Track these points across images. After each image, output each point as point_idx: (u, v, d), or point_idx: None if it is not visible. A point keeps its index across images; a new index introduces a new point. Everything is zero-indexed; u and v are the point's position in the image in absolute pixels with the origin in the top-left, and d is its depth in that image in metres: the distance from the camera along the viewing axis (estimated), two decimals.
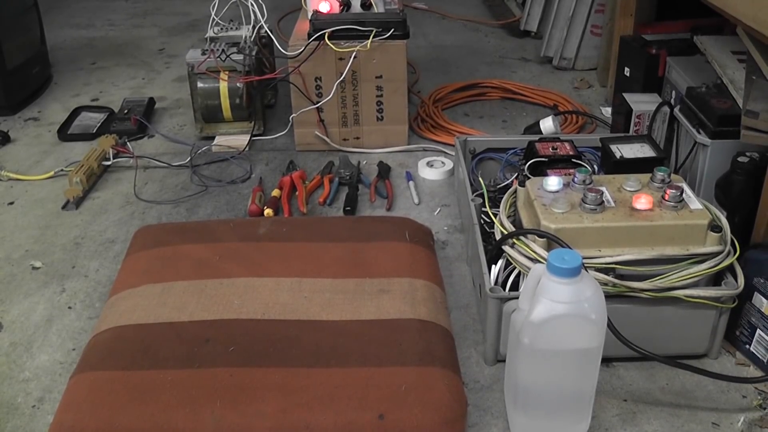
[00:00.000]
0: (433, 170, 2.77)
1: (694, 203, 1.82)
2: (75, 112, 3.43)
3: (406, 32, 2.82)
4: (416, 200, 2.62)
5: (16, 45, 3.55)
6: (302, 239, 2.17)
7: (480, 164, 2.55)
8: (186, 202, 2.69)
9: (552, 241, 1.75)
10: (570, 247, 1.69)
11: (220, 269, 2.04)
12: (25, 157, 3.09)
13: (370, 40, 2.77)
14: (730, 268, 1.80)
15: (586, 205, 1.80)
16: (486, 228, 2.12)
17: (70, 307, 2.15)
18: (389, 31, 2.79)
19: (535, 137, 2.42)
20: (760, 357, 1.84)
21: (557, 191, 1.88)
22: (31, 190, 2.83)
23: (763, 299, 1.80)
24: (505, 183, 2.39)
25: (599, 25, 3.71)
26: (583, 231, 1.76)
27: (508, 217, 1.97)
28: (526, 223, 1.89)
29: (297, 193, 2.62)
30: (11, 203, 2.75)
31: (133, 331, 1.84)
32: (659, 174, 1.89)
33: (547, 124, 2.88)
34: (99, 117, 3.36)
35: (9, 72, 3.47)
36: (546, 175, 2.03)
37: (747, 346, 1.88)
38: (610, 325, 1.63)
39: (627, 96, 2.74)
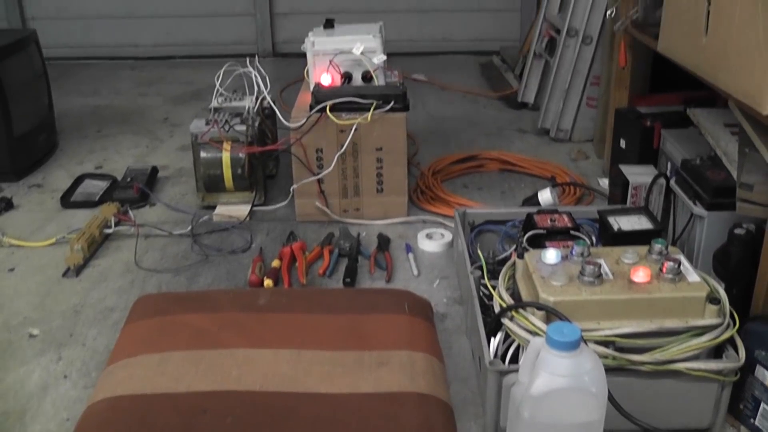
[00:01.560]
0: (432, 242, 2.76)
1: (692, 275, 1.81)
2: (79, 180, 3.44)
3: (406, 105, 2.85)
4: (415, 272, 2.60)
5: (24, 112, 3.58)
6: (302, 310, 2.16)
7: (479, 236, 2.54)
8: (186, 271, 2.67)
9: (551, 313, 1.73)
10: (569, 320, 1.67)
11: (219, 339, 2.02)
12: (27, 224, 3.08)
13: (370, 113, 2.79)
14: (731, 341, 1.78)
15: (585, 278, 1.79)
16: (485, 300, 2.10)
17: (66, 376, 2.12)
18: (389, 103, 2.81)
19: (534, 209, 2.42)
20: (765, 431, 1.81)
21: (555, 264, 1.87)
22: (32, 256, 2.82)
23: (766, 372, 1.77)
24: (504, 255, 2.38)
25: (595, 98, 3.75)
26: (581, 304, 1.74)
27: (507, 289, 1.95)
28: (525, 296, 1.88)
29: (297, 264, 2.61)
30: (12, 269, 2.73)
31: (129, 401, 1.81)
32: (657, 246, 1.88)
33: (545, 196, 2.88)
34: (102, 185, 3.37)
35: (16, 139, 3.49)
36: (544, 247, 2.02)
37: (752, 420, 1.84)
38: (611, 399, 1.60)
39: (623, 168, 2.75)
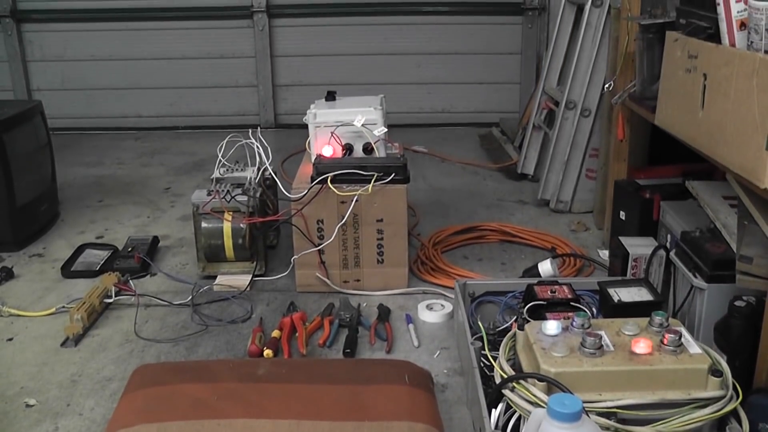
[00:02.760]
0: (432, 313, 2.76)
1: (694, 347, 1.81)
2: (79, 249, 3.44)
3: (406, 177, 2.87)
4: (416, 343, 2.59)
5: (28, 182, 3.60)
6: (301, 381, 2.14)
7: (479, 307, 2.54)
8: (186, 341, 2.66)
9: (552, 384, 1.73)
10: (570, 392, 1.67)
11: (218, 409, 2.01)
12: (27, 293, 3.08)
13: (371, 185, 2.81)
14: (734, 413, 1.77)
15: (586, 349, 1.79)
16: (486, 371, 2.10)
17: None
18: (390, 175, 2.83)
19: (534, 280, 2.43)
20: None
21: (556, 335, 1.87)
22: (31, 326, 2.81)
23: None
24: (505, 326, 2.38)
25: (594, 169, 3.78)
26: (583, 375, 1.74)
27: (508, 360, 1.95)
28: (526, 367, 1.87)
29: (297, 334, 2.60)
30: (10, 339, 2.72)
31: None
32: (657, 318, 1.89)
33: (546, 267, 2.88)
34: (103, 254, 3.38)
35: (18, 209, 3.51)
36: (545, 318, 2.03)
37: None
38: None
39: (623, 239, 2.76)
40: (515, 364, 1.95)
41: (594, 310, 2.34)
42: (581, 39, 3.78)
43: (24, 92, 6.09)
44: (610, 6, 3.61)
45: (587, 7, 3.75)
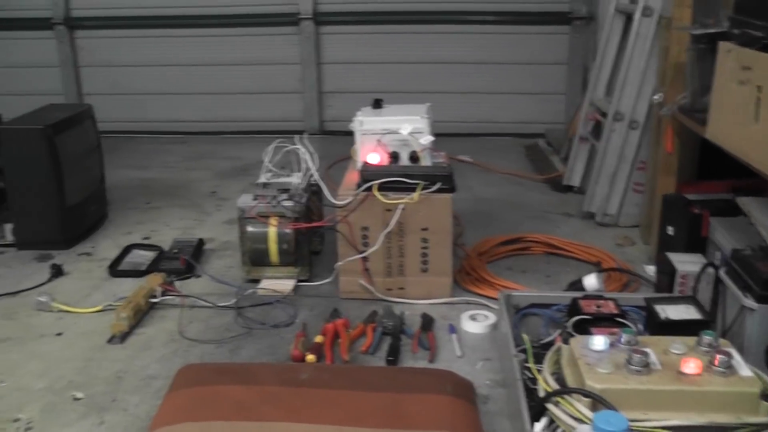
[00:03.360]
0: (476, 323, 2.74)
1: (744, 369, 1.77)
2: (126, 250, 3.48)
3: (452, 186, 2.86)
4: (459, 353, 2.58)
5: (78, 183, 3.66)
6: (343, 387, 2.14)
7: (523, 319, 2.53)
8: (229, 343, 2.68)
9: (597, 401, 1.71)
10: (615, 409, 1.64)
11: (260, 412, 2.01)
12: (75, 291, 3.13)
13: (417, 193, 2.80)
14: None
15: (632, 367, 1.76)
16: (529, 384, 2.08)
17: None
18: (436, 184, 2.82)
19: (579, 294, 2.41)
20: None
21: (602, 351, 1.84)
22: (79, 322, 2.85)
23: None
24: (549, 339, 2.36)
25: (641, 183, 3.73)
26: (628, 393, 1.71)
27: (552, 374, 1.93)
28: (570, 382, 1.85)
29: (340, 340, 2.60)
30: (59, 334, 2.77)
31: None
32: (706, 338, 1.85)
33: (591, 281, 2.86)
34: (149, 255, 3.41)
35: (68, 209, 3.56)
36: (590, 333, 2.01)
37: None
38: None
39: (671, 255, 2.72)
40: (559, 379, 1.93)
41: (640, 326, 2.31)
42: (630, 49, 3.74)
43: (75, 96, 6.20)
44: (660, 15, 3.57)
45: (636, 16, 3.70)
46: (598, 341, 1.86)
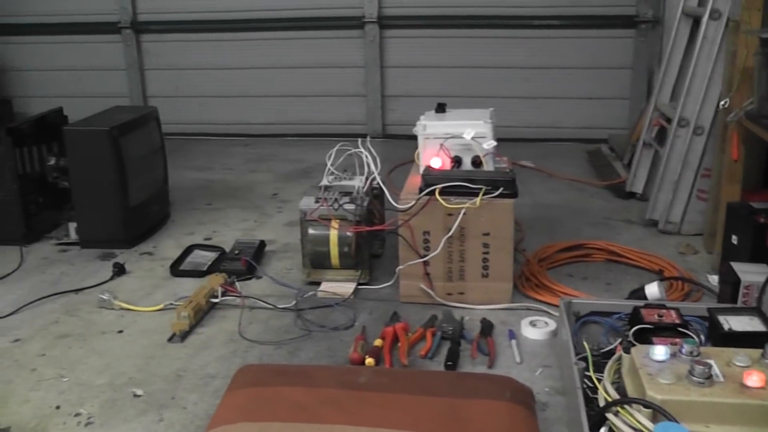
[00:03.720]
0: (536, 330, 2.73)
1: None
2: (188, 250, 3.53)
3: (514, 191, 2.85)
4: (518, 359, 2.57)
5: (141, 184, 3.73)
6: (402, 391, 2.14)
7: (583, 327, 2.51)
8: (288, 345, 2.70)
9: (658, 412, 1.69)
10: (676, 421, 1.63)
11: (318, 414, 2.02)
12: (137, 289, 3.18)
13: (479, 198, 2.80)
14: None
15: (694, 378, 1.74)
16: (588, 393, 2.06)
17: None
18: (498, 189, 2.81)
19: (641, 303, 2.38)
20: None
21: (663, 361, 1.83)
22: (140, 320, 2.91)
23: None
24: (609, 348, 2.34)
25: (705, 190, 3.68)
26: (690, 404, 1.69)
27: (612, 383, 1.91)
28: (631, 392, 1.84)
29: (399, 344, 2.61)
30: (120, 331, 2.83)
31: None
32: None
33: (653, 290, 2.82)
34: (210, 255, 3.46)
35: (131, 209, 3.63)
36: (651, 342, 1.99)
37: None
38: None
39: (735, 265, 2.67)
40: (619, 388, 1.91)
41: (702, 337, 2.28)
42: (696, 53, 3.68)
43: (140, 99, 6.32)
44: (728, 19, 3.51)
45: (704, 19, 3.64)
46: (660, 351, 1.84)
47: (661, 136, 4.11)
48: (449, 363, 2.50)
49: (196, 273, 3.30)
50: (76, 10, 6.26)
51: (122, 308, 2.98)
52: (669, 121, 3.90)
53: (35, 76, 6.53)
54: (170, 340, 2.74)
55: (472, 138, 2.95)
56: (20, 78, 6.56)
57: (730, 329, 2.15)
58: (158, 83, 6.34)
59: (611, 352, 2.20)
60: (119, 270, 3.33)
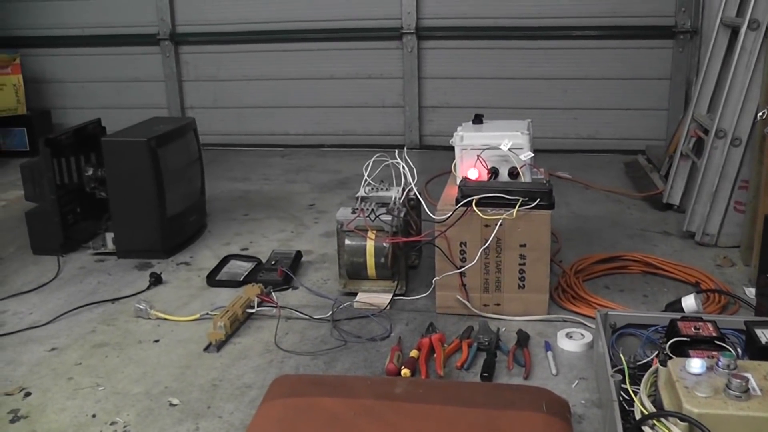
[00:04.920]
0: (572, 342, 2.73)
1: None
2: (225, 260, 3.57)
3: (551, 203, 2.85)
4: (554, 371, 2.57)
5: (178, 195, 3.77)
6: (438, 402, 2.15)
7: (620, 339, 2.50)
8: (324, 355, 2.72)
9: (694, 426, 1.69)
10: None
11: (354, 425, 2.03)
12: (173, 299, 3.22)
13: (516, 209, 2.80)
14: None
15: (731, 392, 1.74)
16: (625, 405, 2.06)
17: None
18: (535, 201, 2.82)
19: (677, 315, 2.37)
20: None
21: (700, 374, 1.82)
22: (176, 330, 2.94)
23: None
24: (646, 360, 2.33)
25: (743, 202, 3.65)
26: (727, 419, 1.69)
27: (649, 396, 1.91)
28: (667, 405, 1.84)
29: (435, 355, 2.62)
30: (157, 341, 2.86)
31: None
32: None
33: (690, 303, 2.81)
34: (247, 266, 3.49)
35: (168, 219, 3.67)
36: (687, 355, 1.99)
37: None
38: None
39: None
40: (656, 401, 1.91)
41: (739, 350, 2.27)
42: (734, 64, 3.66)
43: (178, 110, 6.40)
44: (767, 29, 3.49)
45: (742, 30, 3.61)
46: (696, 364, 1.83)
47: (699, 147, 4.08)
48: (485, 374, 2.51)
49: (233, 283, 3.33)
50: (115, 22, 6.36)
51: (158, 318, 3.02)
52: (706, 132, 3.88)
53: (74, 87, 6.64)
54: (206, 349, 2.77)
55: (509, 149, 2.97)
56: (60, 89, 6.68)
57: (767, 343, 2.13)
58: (196, 94, 6.42)
59: (648, 365, 2.20)
60: (156, 280, 3.37)
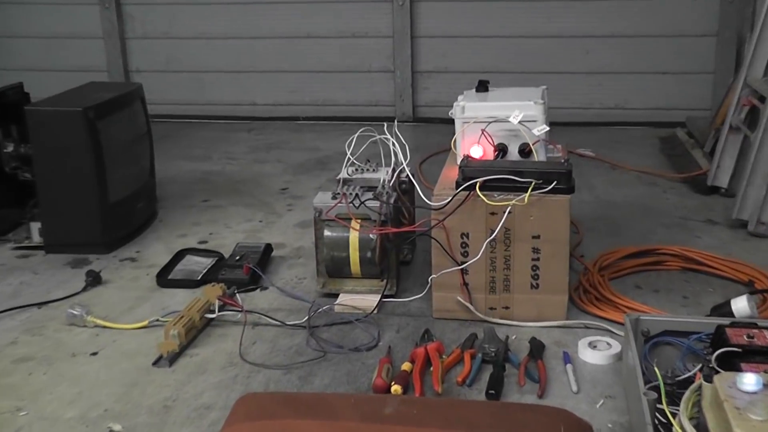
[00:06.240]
0: (596, 353, 2.72)
1: None
2: (179, 255, 3.56)
3: (570, 186, 2.84)
4: (574, 388, 2.56)
5: (122, 176, 3.74)
6: (435, 425, 2.14)
7: (654, 349, 2.50)
8: (299, 369, 2.70)
9: None
10: None
11: None
12: (116, 303, 3.20)
13: (528, 194, 2.79)
14: None
15: None
16: (661, 430, 2.06)
17: None
18: (551, 183, 2.80)
19: (726, 321, 2.36)
20: None
21: (755, 392, 1.80)
22: (119, 340, 2.92)
23: None
24: (686, 375, 2.32)
25: None
26: None
27: (691, 419, 1.90)
28: (713, 429, 1.82)
29: (432, 368, 2.61)
30: (95, 354, 2.83)
31: None
32: None
33: (741, 305, 2.80)
34: (206, 262, 3.48)
35: (110, 206, 3.64)
36: (739, 369, 1.97)
37: None
38: None
39: None
40: (699, 425, 1.90)
41: None
42: None
43: (120, 73, 6.35)
44: None
45: None
46: (750, 380, 1.82)
47: (753, 118, 4.08)
48: (491, 391, 2.50)
49: (189, 283, 3.32)
50: None
51: (97, 325, 2.99)
52: (762, 100, 3.87)
53: None
54: (156, 363, 2.75)
55: (520, 122, 2.95)
56: None
57: None
58: (144, 55, 6.39)
59: (689, 381, 2.19)
60: (94, 279, 3.35)
